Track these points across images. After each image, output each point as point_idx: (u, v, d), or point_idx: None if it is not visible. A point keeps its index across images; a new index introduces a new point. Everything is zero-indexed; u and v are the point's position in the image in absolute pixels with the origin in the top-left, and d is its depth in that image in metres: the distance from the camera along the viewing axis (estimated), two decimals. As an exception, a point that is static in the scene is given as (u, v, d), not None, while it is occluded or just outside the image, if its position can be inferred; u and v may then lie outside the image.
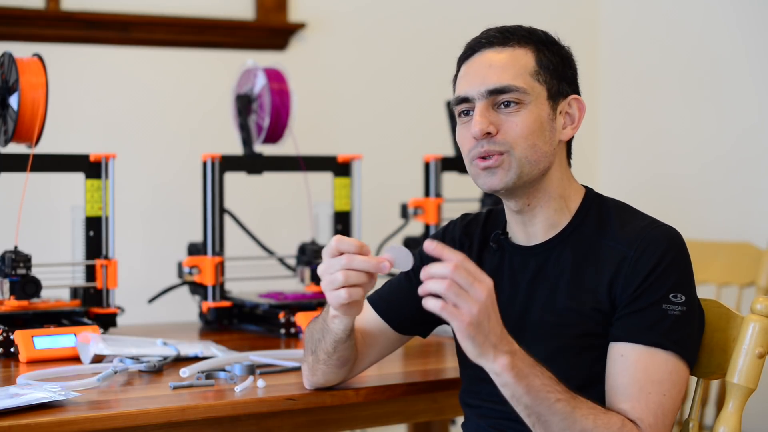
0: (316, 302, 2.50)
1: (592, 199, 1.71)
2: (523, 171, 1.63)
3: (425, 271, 1.43)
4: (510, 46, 1.65)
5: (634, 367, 1.56)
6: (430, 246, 1.44)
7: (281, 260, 2.75)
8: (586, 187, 1.74)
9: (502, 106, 1.63)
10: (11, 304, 2.23)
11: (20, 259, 2.23)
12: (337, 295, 1.56)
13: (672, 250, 1.60)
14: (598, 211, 1.69)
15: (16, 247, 2.26)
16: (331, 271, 1.56)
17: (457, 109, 1.68)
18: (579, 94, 1.71)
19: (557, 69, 1.66)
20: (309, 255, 2.59)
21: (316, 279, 2.56)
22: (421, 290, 1.43)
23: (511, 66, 1.63)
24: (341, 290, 1.56)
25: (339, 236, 1.57)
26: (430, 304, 1.42)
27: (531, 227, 1.70)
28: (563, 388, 1.51)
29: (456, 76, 1.71)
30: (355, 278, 1.55)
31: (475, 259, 1.75)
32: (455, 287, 1.41)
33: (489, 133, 1.62)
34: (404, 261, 1.54)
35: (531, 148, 1.63)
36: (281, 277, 2.75)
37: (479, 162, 1.65)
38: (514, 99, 1.62)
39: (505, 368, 1.46)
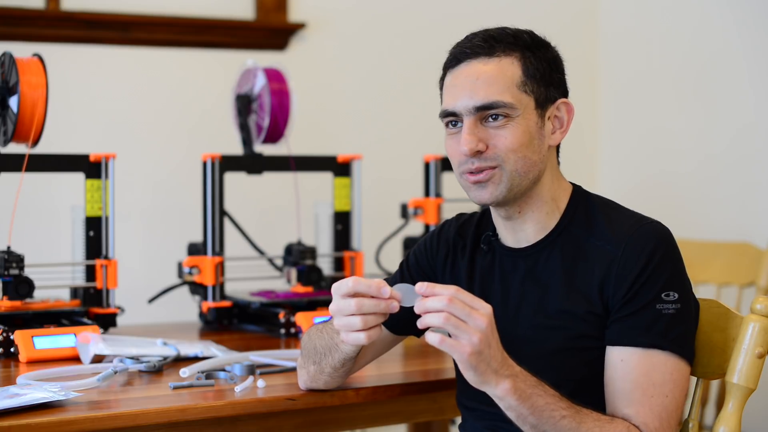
0: (307, 301, 2.51)
1: (578, 197, 1.71)
2: (513, 183, 1.63)
3: (421, 306, 1.44)
4: (496, 56, 1.63)
5: (634, 372, 1.56)
6: (422, 288, 1.45)
7: (270, 260, 2.75)
8: (573, 184, 1.73)
9: (490, 119, 1.62)
10: (5, 304, 2.23)
11: (13, 259, 2.22)
12: (356, 337, 1.54)
13: (661, 247, 1.59)
14: (584, 210, 1.68)
15: (9, 247, 2.25)
16: (344, 312, 1.53)
17: (444, 120, 1.68)
18: (567, 94, 1.70)
19: (544, 75, 1.65)
20: (295, 255, 2.58)
21: (302, 279, 2.55)
22: (419, 323, 1.44)
23: (497, 79, 1.62)
24: (360, 333, 1.53)
25: (356, 278, 1.53)
26: (430, 338, 1.43)
27: (521, 231, 1.70)
28: (567, 404, 1.51)
29: (442, 80, 1.70)
30: (372, 321, 1.53)
31: (467, 260, 1.76)
32: (453, 319, 1.42)
33: (479, 151, 1.62)
34: (410, 298, 1.53)
35: (521, 160, 1.62)
36: (281, 277, 2.75)
37: (469, 176, 1.64)
38: (501, 113, 1.61)
39: (508, 392, 1.47)
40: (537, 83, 1.64)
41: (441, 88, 1.70)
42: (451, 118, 1.66)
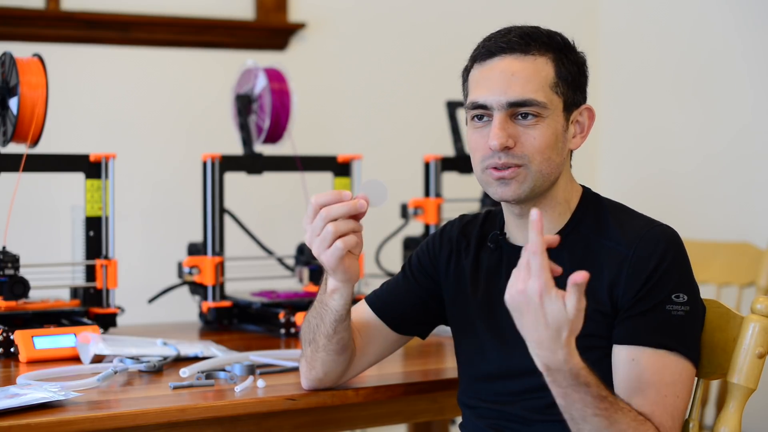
0: (308, 300, 2.50)
1: (589, 199, 1.71)
2: (536, 184, 1.64)
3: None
4: (531, 54, 1.63)
5: (647, 372, 1.56)
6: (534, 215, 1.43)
7: (280, 260, 2.75)
8: (583, 186, 1.74)
9: (521, 117, 1.62)
10: (2, 304, 2.23)
11: (8, 259, 2.22)
12: (333, 249, 1.58)
13: (671, 249, 1.60)
14: (595, 212, 1.69)
15: (4, 248, 2.25)
16: (317, 231, 1.58)
17: (472, 113, 1.66)
18: (586, 100, 1.71)
19: (574, 79, 1.66)
20: (307, 255, 2.59)
21: (314, 279, 2.56)
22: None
23: (532, 77, 1.62)
24: (336, 242, 1.57)
25: (316, 195, 1.58)
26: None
27: None
28: (607, 405, 1.48)
29: (467, 71, 1.69)
30: (343, 227, 1.58)
31: (472, 259, 1.76)
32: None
33: (507, 147, 1.62)
34: (380, 196, 1.53)
35: (546, 161, 1.63)
36: (281, 277, 2.75)
37: (493, 171, 1.64)
38: (533, 112, 1.62)
39: (542, 369, 1.46)
40: (567, 86, 1.65)
41: (465, 80, 1.70)
42: (480, 111, 1.65)
